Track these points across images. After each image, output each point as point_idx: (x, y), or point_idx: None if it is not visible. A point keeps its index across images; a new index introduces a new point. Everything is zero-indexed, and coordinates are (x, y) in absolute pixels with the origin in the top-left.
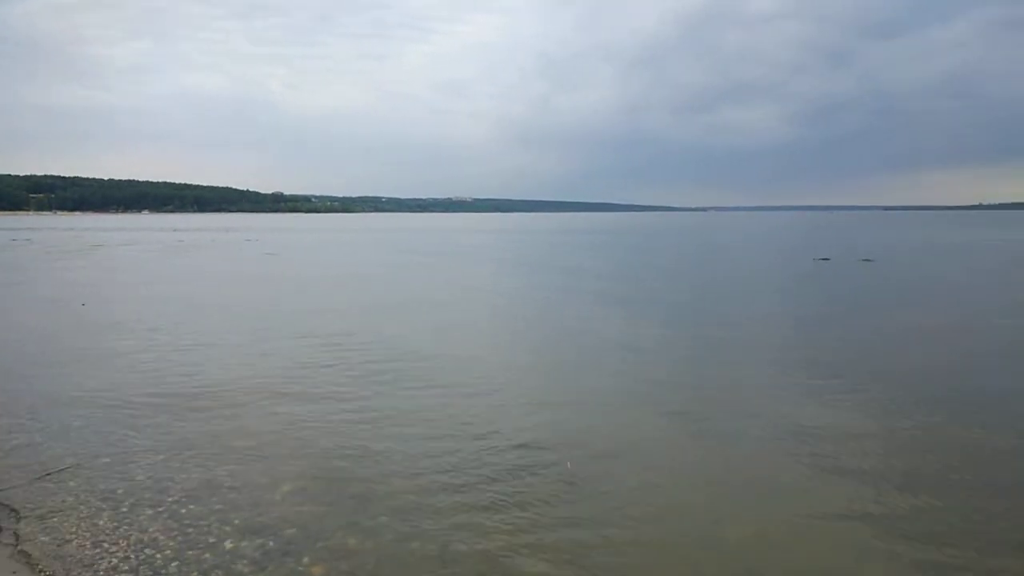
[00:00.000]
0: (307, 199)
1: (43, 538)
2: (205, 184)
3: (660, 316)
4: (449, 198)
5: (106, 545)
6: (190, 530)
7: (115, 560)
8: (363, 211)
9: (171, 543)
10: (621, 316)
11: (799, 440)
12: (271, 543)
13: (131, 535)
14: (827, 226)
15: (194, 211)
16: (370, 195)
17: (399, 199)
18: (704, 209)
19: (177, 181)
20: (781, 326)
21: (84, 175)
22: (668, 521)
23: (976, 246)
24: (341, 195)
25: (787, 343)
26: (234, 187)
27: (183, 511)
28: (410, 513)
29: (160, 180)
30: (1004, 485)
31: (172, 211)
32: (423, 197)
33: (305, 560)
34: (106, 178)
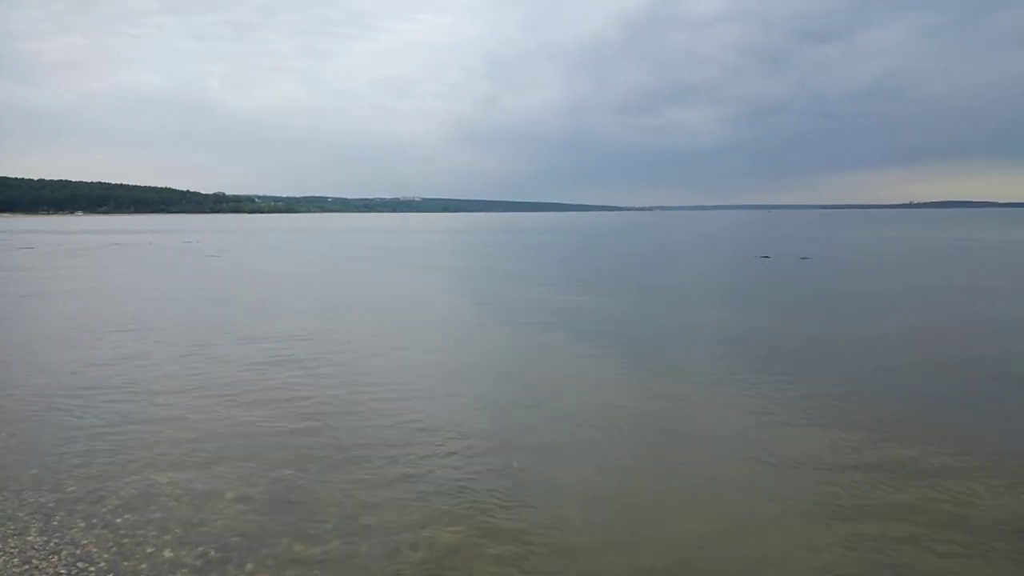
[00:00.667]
0: (250, 199)
1: None
2: (143, 184)
3: (607, 314)
4: (397, 198)
5: (36, 561)
6: (126, 540)
7: None
8: (308, 211)
9: (106, 555)
10: (570, 314)
11: (743, 436)
12: (213, 551)
13: (63, 549)
14: (767, 225)
15: (131, 212)
16: (316, 195)
17: (346, 199)
18: (650, 208)
19: (112, 181)
20: (726, 323)
21: (12, 175)
22: (614, 519)
23: (904, 243)
24: (285, 195)
25: (731, 340)
26: (173, 187)
27: (119, 521)
28: (357, 518)
29: (94, 180)
30: (945, 469)
31: (107, 212)
32: (370, 197)
33: (249, 567)
34: (36, 178)
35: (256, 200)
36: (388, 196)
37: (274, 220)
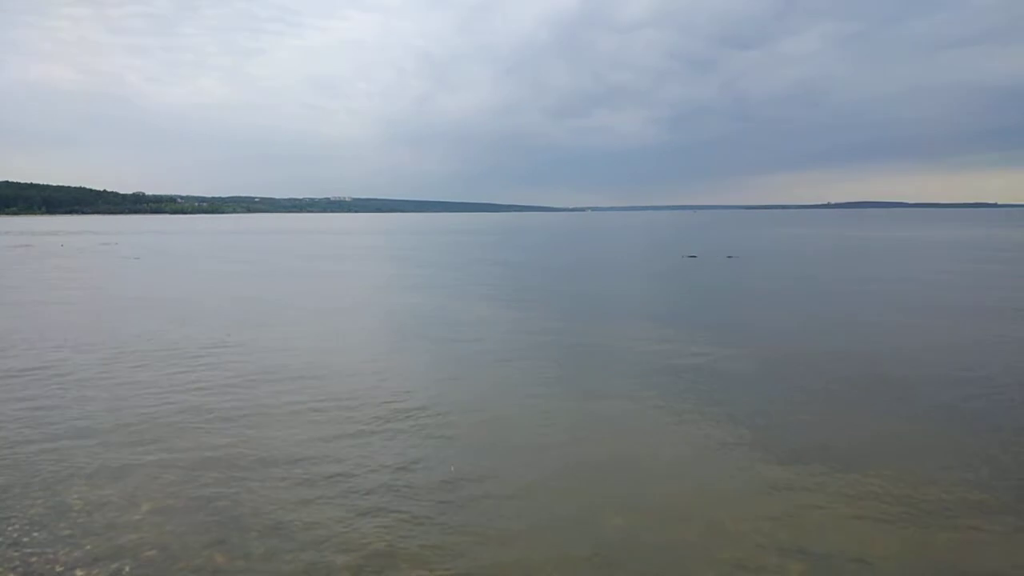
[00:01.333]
0: (172, 199)
1: None
2: (55, 184)
3: (543, 313)
4: (327, 198)
5: None
6: (34, 560)
7: None
8: (235, 211)
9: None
10: (504, 315)
11: (669, 427)
12: (127, 567)
13: None
14: (694, 225)
15: (43, 213)
16: (242, 195)
17: (274, 199)
18: (583, 209)
19: (22, 181)
20: (656, 323)
21: None
22: (546, 513)
23: (819, 241)
24: (210, 195)
25: (661, 341)
26: (89, 187)
27: (26, 540)
28: (282, 526)
29: (0, 180)
30: (849, 453)
31: (16, 213)
32: (299, 197)
33: None
34: None
35: (179, 200)
36: (318, 196)
37: (198, 221)
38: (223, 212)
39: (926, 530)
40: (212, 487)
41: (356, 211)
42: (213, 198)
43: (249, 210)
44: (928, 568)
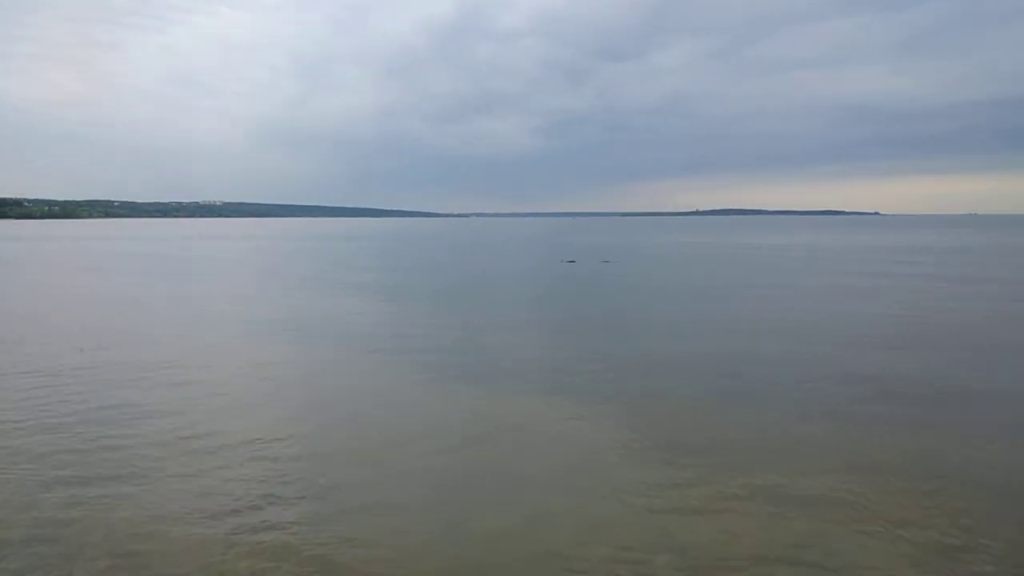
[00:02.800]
0: (18, 203)
1: None
2: None
3: (422, 315)
4: (196, 202)
5: None
6: None
7: None
8: (91, 216)
9: None
10: (380, 316)
11: (542, 429)
12: None
13: None
14: (573, 231)
15: None
16: (100, 198)
17: (135, 203)
18: (465, 215)
19: None
20: (535, 323)
21: None
22: (419, 519)
23: (688, 248)
24: (63, 198)
25: (539, 340)
26: None
27: None
28: (139, 544)
29: None
30: (723, 446)
31: None
32: (165, 201)
33: None
34: None
35: (26, 204)
36: (186, 200)
37: (46, 227)
38: (78, 216)
39: (789, 522)
40: (55, 508)
41: (228, 216)
42: (66, 202)
43: (108, 214)
44: (788, 557)
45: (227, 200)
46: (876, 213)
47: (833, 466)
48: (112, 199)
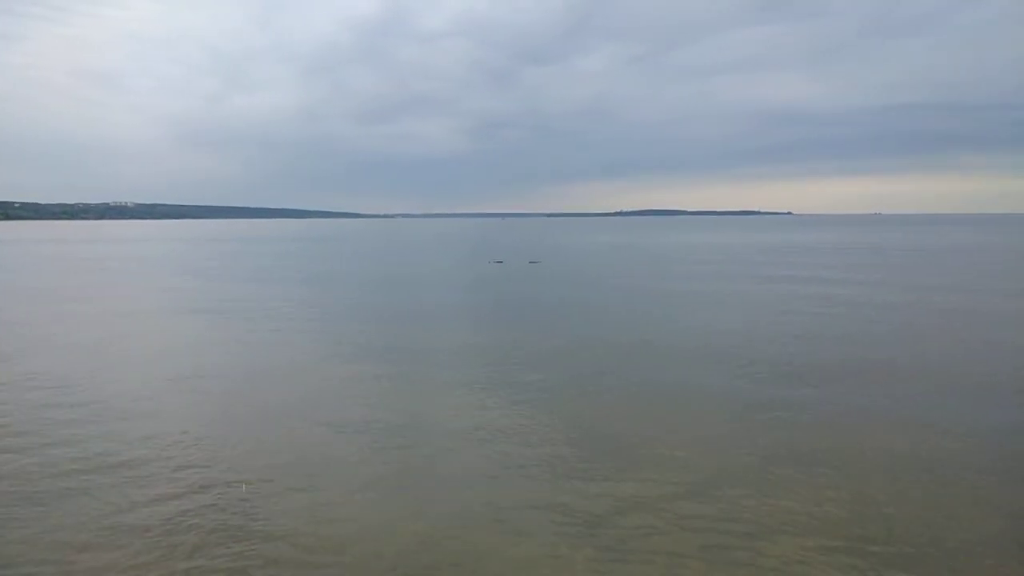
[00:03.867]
0: None
1: None
2: None
3: (350, 320)
4: (106, 203)
5: None
6: None
7: None
8: None
9: None
10: (298, 311)
11: (466, 430)
12: None
13: None
14: (502, 232)
15: None
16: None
17: (39, 204)
18: (392, 216)
19: None
20: (462, 323)
21: None
22: (344, 524)
23: (611, 247)
24: None
25: (466, 340)
26: None
27: None
28: (64, 563)
29: None
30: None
31: None
32: (71, 202)
33: None
34: None
35: None
36: (95, 201)
37: None
38: None
39: (706, 519)
40: None
41: (141, 218)
42: None
43: (8, 216)
44: (704, 553)
45: (140, 201)
46: (790, 213)
47: (748, 460)
48: (12, 200)
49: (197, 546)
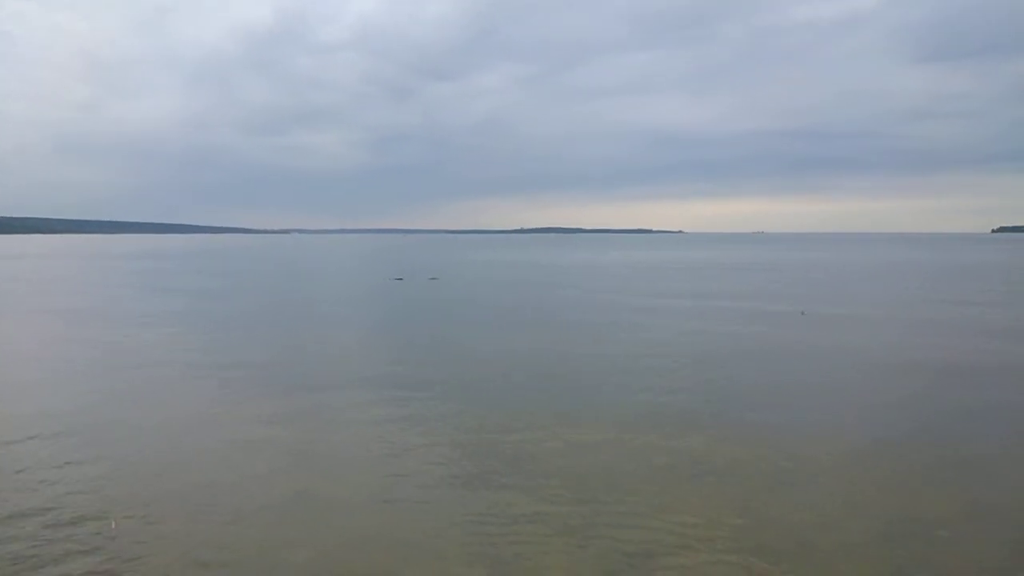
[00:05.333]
0: None
1: None
2: None
3: (242, 337)
4: None
5: None
6: None
7: None
8: None
9: None
10: (189, 344)
11: (359, 451)
12: None
13: None
14: (401, 248)
15: None
16: None
17: None
18: (287, 231)
19: None
20: (360, 341)
21: None
22: (225, 553)
23: (511, 265)
24: None
25: (364, 358)
26: None
27: None
28: None
29: None
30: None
31: None
32: None
33: None
34: None
35: None
36: None
37: None
38: None
39: (604, 532)
40: None
41: (5, 232)
42: None
43: None
44: (601, 566)
45: (2, 215)
46: (680, 231)
47: (644, 473)
48: None
49: None
